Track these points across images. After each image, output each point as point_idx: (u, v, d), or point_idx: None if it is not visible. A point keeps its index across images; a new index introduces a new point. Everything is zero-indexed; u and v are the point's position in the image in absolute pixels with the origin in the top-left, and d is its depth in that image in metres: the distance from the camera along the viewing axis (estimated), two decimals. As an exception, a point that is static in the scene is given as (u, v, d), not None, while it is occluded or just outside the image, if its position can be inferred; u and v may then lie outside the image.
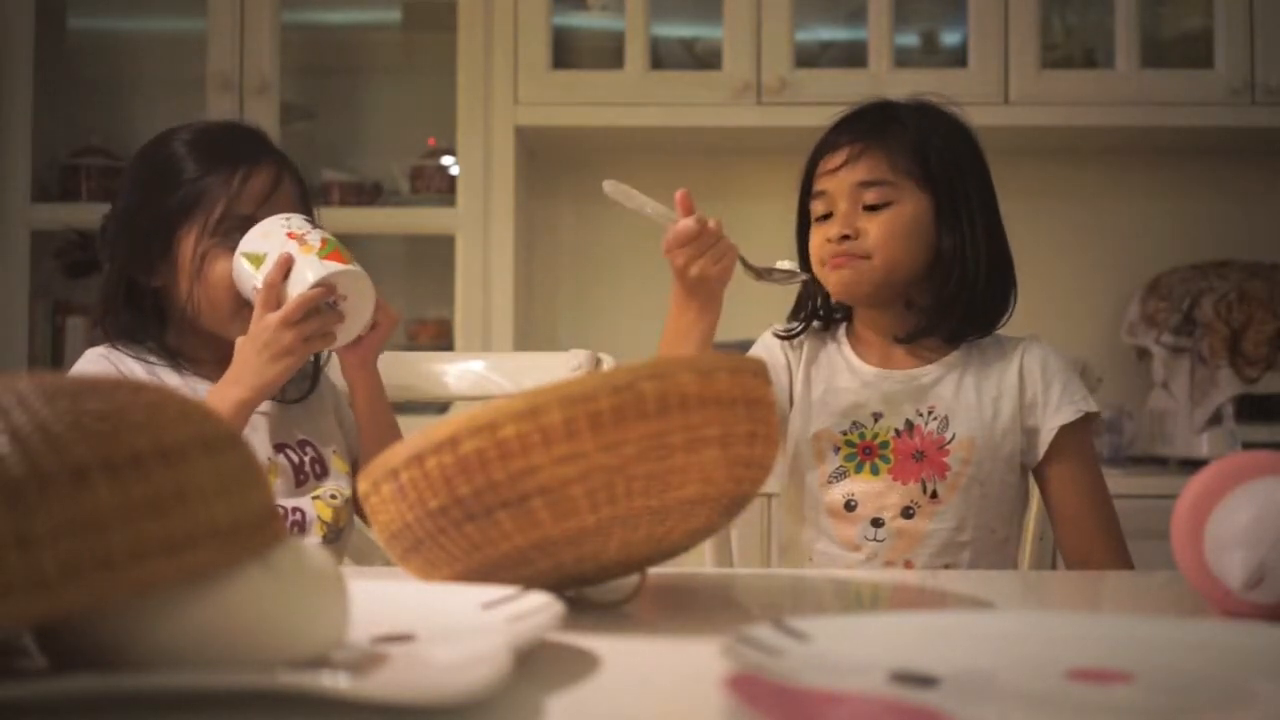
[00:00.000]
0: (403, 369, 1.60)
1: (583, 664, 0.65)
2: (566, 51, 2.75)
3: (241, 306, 1.34)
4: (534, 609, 0.68)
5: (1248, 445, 2.50)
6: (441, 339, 2.80)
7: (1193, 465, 2.28)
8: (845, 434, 1.39)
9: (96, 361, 1.36)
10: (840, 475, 1.39)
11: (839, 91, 2.53)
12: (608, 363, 1.59)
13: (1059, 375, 1.40)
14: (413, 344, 2.81)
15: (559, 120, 2.71)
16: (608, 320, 2.93)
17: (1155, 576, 1.08)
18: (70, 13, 2.96)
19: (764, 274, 1.37)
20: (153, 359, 1.38)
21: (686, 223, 1.28)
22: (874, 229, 1.37)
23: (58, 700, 0.52)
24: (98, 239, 1.42)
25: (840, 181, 1.39)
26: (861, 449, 1.39)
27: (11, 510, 0.50)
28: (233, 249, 1.33)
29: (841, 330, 1.47)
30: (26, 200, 2.67)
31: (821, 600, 0.97)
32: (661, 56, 2.78)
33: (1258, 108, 2.64)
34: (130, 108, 2.93)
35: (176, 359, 1.39)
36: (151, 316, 1.39)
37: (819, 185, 1.42)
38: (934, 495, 1.37)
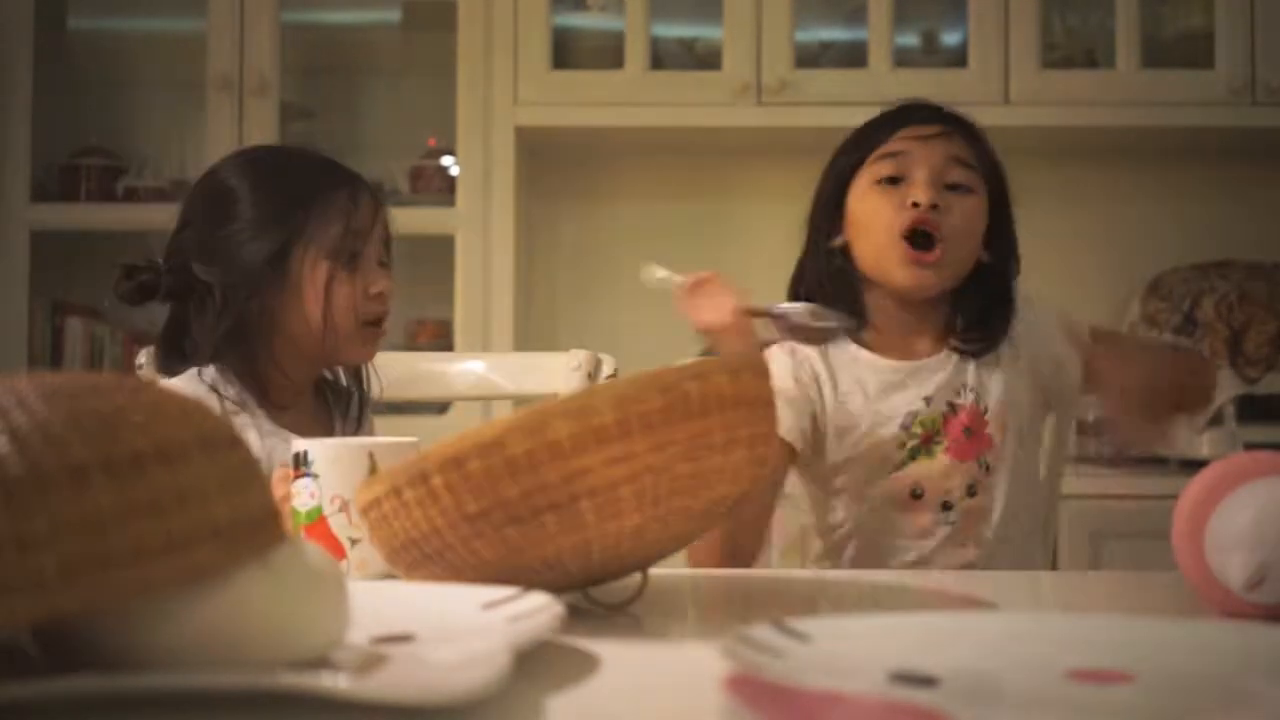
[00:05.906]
0: (403, 369, 1.60)
1: (583, 665, 0.65)
2: (566, 51, 2.75)
3: (361, 327, 1.35)
4: (534, 609, 0.68)
5: (1249, 446, 2.49)
6: (441, 339, 2.79)
7: (1193, 466, 2.27)
8: (907, 429, 1.38)
9: (190, 382, 1.31)
10: (902, 464, 1.38)
11: (839, 91, 2.53)
12: (608, 363, 1.59)
13: (1056, 328, 1.45)
14: (413, 344, 2.81)
15: (559, 120, 2.71)
16: (608, 320, 2.93)
17: (1155, 576, 1.08)
18: (70, 13, 2.96)
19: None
20: (226, 395, 1.32)
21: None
22: (957, 211, 1.36)
23: (58, 700, 0.52)
24: (179, 265, 1.36)
25: (932, 149, 1.36)
26: (924, 439, 1.39)
27: (11, 510, 0.50)
28: (350, 271, 1.34)
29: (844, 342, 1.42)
30: (26, 200, 2.67)
31: (822, 600, 0.97)
32: (661, 56, 2.78)
33: (1258, 108, 2.64)
34: (130, 108, 2.93)
35: (262, 387, 1.36)
36: (250, 340, 1.35)
37: (898, 146, 1.37)
38: (988, 469, 1.38)
